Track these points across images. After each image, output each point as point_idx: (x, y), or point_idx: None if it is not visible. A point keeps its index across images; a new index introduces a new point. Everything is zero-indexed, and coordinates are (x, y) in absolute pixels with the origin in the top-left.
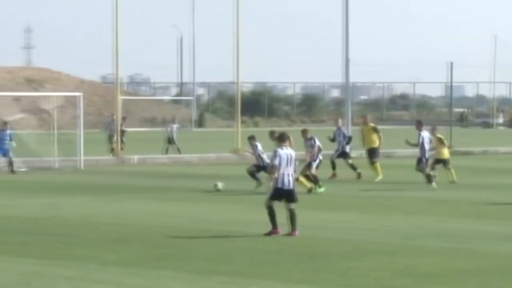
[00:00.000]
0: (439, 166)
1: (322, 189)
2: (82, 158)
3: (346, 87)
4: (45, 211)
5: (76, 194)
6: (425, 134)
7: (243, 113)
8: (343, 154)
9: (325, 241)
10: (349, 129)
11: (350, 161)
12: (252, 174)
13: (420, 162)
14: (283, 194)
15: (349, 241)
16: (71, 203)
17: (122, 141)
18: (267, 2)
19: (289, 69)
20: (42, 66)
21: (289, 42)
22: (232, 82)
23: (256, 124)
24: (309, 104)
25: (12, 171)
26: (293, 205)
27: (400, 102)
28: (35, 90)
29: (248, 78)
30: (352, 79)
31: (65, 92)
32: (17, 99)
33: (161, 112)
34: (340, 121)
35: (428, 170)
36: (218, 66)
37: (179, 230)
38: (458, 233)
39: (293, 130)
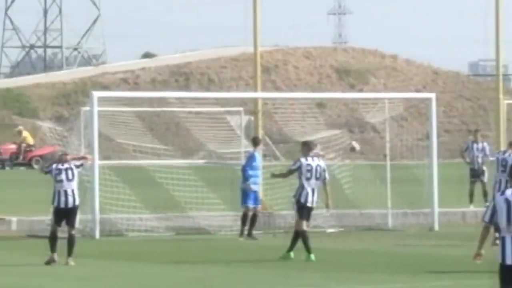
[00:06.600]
0: None
1: None
2: (436, 211)
3: None
4: None
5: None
6: None
7: None
8: None
9: None
10: None
11: None
12: None
13: None
14: None
15: None
16: None
17: None
18: None
19: None
20: (363, 47)
21: None
22: None
23: None
24: None
25: (249, 234)
26: None
27: None
28: (351, 88)
29: None
30: None
31: (405, 91)
32: (320, 104)
33: None
34: None
35: None
36: None
37: None
38: None
39: None
